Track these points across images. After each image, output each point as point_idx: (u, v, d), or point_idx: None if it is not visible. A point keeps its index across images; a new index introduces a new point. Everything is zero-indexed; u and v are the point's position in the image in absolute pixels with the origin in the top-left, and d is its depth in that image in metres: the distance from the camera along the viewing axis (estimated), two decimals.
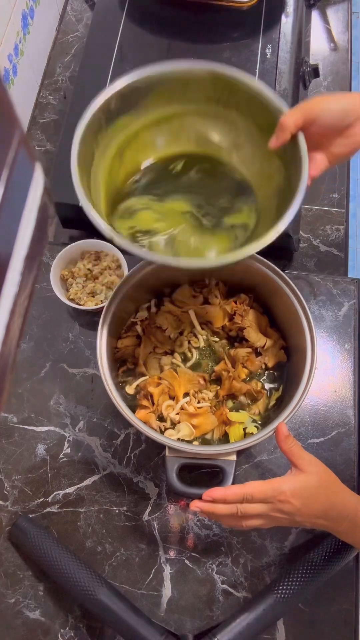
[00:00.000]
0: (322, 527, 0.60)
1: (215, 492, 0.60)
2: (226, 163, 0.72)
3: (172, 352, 0.78)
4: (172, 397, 0.75)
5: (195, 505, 0.61)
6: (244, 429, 0.73)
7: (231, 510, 0.59)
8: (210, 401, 0.75)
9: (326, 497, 0.60)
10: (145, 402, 0.73)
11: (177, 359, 0.77)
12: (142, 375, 0.76)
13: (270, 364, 0.77)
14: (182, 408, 0.73)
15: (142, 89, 0.66)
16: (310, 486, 0.59)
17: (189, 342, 0.79)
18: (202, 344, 0.79)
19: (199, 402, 0.74)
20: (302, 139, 0.62)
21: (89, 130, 0.63)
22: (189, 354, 0.78)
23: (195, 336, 0.79)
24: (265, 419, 0.74)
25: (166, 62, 0.66)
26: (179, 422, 0.73)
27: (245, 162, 0.71)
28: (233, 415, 0.73)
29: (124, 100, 0.66)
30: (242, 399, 0.75)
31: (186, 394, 0.74)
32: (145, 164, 0.72)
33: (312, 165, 0.63)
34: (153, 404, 0.74)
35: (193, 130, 0.72)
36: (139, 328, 0.78)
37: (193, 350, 0.78)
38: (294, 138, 0.62)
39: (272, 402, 0.75)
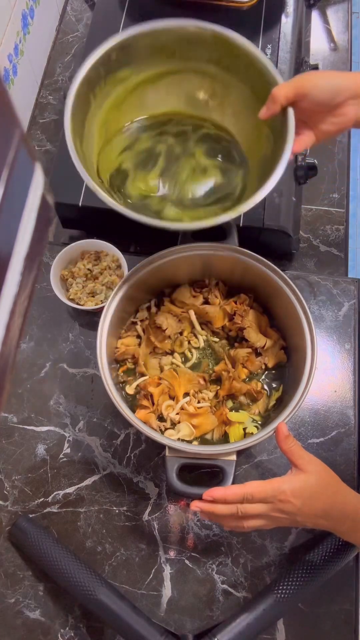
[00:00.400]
0: (324, 527, 0.60)
1: (216, 491, 0.60)
2: (219, 126, 0.74)
3: (172, 352, 0.78)
4: (172, 397, 0.75)
5: (196, 505, 0.61)
6: (244, 429, 0.73)
7: (231, 510, 0.59)
8: (210, 401, 0.75)
9: (327, 497, 0.59)
10: (145, 402, 0.73)
11: (177, 359, 0.77)
12: (142, 375, 0.76)
13: (270, 364, 0.77)
14: (182, 408, 0.73)
15: (145, 42, 0.68)
16: (311, 486, 0.59)
17: (189, 342, 0.79)
18: (202, 344, 0.79)
19: (199, 402, 0.74)
20: (291, 113, 0.63)
21: (86, 80, 0.65)
22: (189, 354, 0.78)
23: (195, 336, 0.79)
24: (265, 419, 0.74)
25: (172, 19, 0.68)
26: (179, 422, 0.73)
27: (238, 127, 0.73)
28: (233, 415, 0.73)
29: (125, 52, 0.68)
30: (242, 399, 0.75)
31: (186, 394, 0.74)
32: (140, 119, 0.74)
33: (297, 140, 0.64)
34: (153, 404, 0.74)
35: (190, 89, 0.73)
36: (139, 328, 0.78)
37: (193, 350, 0.78)
38: (284, 111, 0.63)
39: (272, 402, 0.75)
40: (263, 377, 0.77)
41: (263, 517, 0.59)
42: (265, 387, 0.76)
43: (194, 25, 0.68)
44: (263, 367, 0.77)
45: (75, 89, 0.64)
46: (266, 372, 0.78)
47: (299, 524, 0.60)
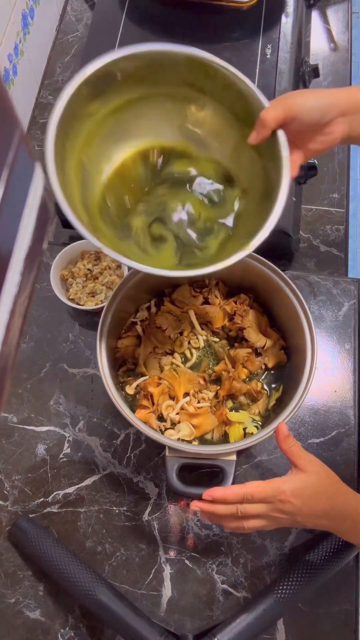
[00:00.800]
0: (324, 527, 0.60)
1: (215, 491, 0.60)
2: (195, 155, 0.70)
3: (172, 352, 0.78)
4: (172, 397, 0.75)
5: (196, 504, 0.61)
6: (244, 429, 0.73)
7: (231, 510, 0.59)
8: (210, 401, 0.75)
9: (327, 497, 0.59)
10: (145, 402, 0.73)
11: (177, 359, 0.77)
12: (142, 375, 0.76)
13: (270, 364, 0.77)
14: (182, 408, 0.73)
15: (113, 72, 0.64)
16: (311, 486, 0.59)
17: (189, 342, 0.79)
18: (202, 344, 0.79)
19: (199, 402, 0.74)
20: (282, 137, 0.62)
21: (61, 121, 0.61)
22: (189, 354, 0.78)
23: (196, 336, 0.79)
24: (265, 419, 0.74)
25: (141, 44, 0.64)
26: (179, 422, 0.73)
27: (221, 150, 0.70)
28: (233, 415, 0.73)
29: (93, 84, 0.63)
30: (242, 399, 0.75)
31: (186, 394, 0.74)
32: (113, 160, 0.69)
33: (291, 163, 0.63)
34: (153, 404, 0.74)
35: (163, 116, 0.69)
36: (139, 328, 0.78)
37: (193, 350, 0.78)
38: (273, 133, 0.62)
39: (272, 402, 0.75)
40: (263, 377, 0.77)
41: (263, 517, 0.59)
42: (265, 387, 0.76)
43: (164, 49, 0.64)
44: (263, 367, 0.77)
45: (54, 129, 0.61)
46: (266, 372, 0.78)
47: (299, 524, 0.60)
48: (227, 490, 0.60)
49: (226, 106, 0.66)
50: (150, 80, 0.66)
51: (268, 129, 0.61)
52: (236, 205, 0.69)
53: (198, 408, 0.73)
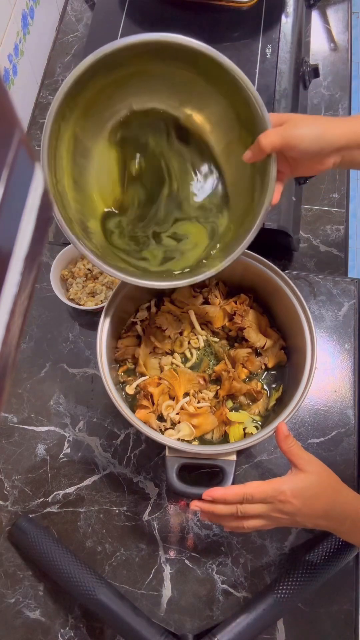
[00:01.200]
0: (324, 527, 0.60)
1: (215, 491, 0.60)
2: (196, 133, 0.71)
3: (172, 352, 0.78)
4: (172, 397, 0.75)
5: (195, 504, 0.61)
6: (244, 429, 0.73)
7: (231, 510, 0.59)
8: (210, 401, 0.75)
9: (327, 497, 0.59)
10: (145, 402, 0.73)
11: (177, 359, 0.77)
12: (142, 375, 0.76)
13: (270, 364, 0.77)
14: (182, 408, 0.73)
15: (122, 55, 0.64)
16: (311, 486, 0.59)
17: (189, 342, 0.79)
18: (202, 344, 0.79)
19: (199, 402, 0.74)
20: (273, 166, 0.63)
21: (61, 104, 0.62)
22: (188, 354, 0.78)
23: (196, 336, 0.79)
24: (265, 419, 0.74)
25: (155, 33, 0.63)
26: (179, 422, 0.73)
27: (215, 136, 0.71)
28: (233, 415, 0.73)
29: (101, 62, 0.63)
30: (242, 399, 0.75)
31: (186, 394, 0.74)
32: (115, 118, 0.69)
33: (275, 191, 0.65)
34: (153, 404, 0.74)
35: (169, 89, 0.69)
36: (139, 328, 0.78)
37: (193, 350, 0.78)
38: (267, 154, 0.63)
39: (272, 402, 0.75)
40: (263, 377, 0.77)
41: (263, 517, 0.59)
42: (265, 387, 0.76)
43: (180, 42, 0.63)
44: (263, 367, 0.77)
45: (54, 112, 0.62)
46: (266, 372, 0.78)
47: (299, 524, 0.60)
48: (227, 491, 0.60)
49: (230, 103, 0.67)
50: (162, 58, 0.66)
51: (264, 153, 0.62)
52: (221, 222, 0.71)
53: (198, 408, 0.73)
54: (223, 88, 0.66)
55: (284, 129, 0.61)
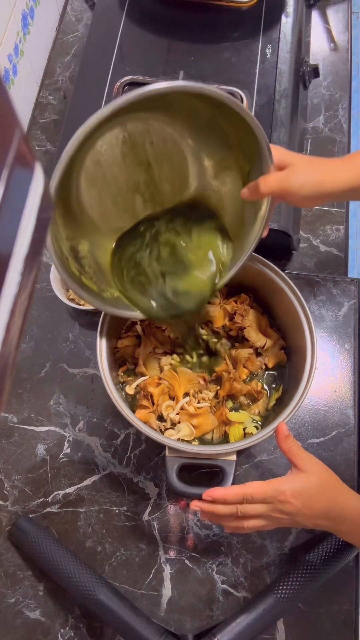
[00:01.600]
0: (324, 527, 0.60)
1: (215, 491, 0.60)
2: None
3: (171, 352, 0.78)
4: (172, 397, 0.75)
5: (196, 504, 0.61)
6: (244, 429, 0.73)
7: (231, 510, 0.59)
8: (211, 401, 0.75)
9: (327, 497, 0.59)
10: (145, 402, 0.73)
11: (177, 359, 0.77)
12: (142, 375, 0.76)
13: (270, 364, 0.77)
14: (182, 408, 0.73)
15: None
16: (311, 486, 0.59)
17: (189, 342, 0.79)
18: (202, 344, 0.79)
19: (199, 402, 0.74)
20: (266, 207, 0.64)
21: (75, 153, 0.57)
22: (189, 354, 0.78)
23: (196, 337, 0.79)
24: (265, 419, 0.74)
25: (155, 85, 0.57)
26: (179, 422, 0.73)
27: (209, 152, 0.68)
28: (233, 415, 0.73)
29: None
30: (242, 399, 0.75)
31: (186, 394, 0.74)
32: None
33: (265, 226, 0.67)
34: (153, 404, 0.74)
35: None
36: (139, 328, 0.78)
37: (193, 350, 0.78)
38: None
39: (272, 402, 0.75)
40: (263, 377, 0.77)
41: (263, 517, 0.59)
42: (265, 387, 0.76)
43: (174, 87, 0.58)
44: (263, 367, 0.77)
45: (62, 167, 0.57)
46: (266, 372, 0.78)
47: (299, 524, 0.60)
48: (227, 491, 0.60)
49: (231, 127, 0.63)
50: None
51: (260, 196, 0.62)
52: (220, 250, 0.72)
53: (198, 408, 0.73)
54: (225, 115, 0.61)
55: (285, 177, 0.62)
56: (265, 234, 0.67)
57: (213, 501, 0.60)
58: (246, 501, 0.59)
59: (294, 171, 0.62)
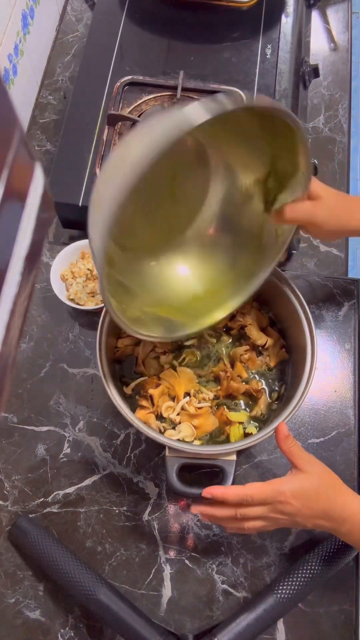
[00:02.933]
0: (324, 528, 0.60)
1: (215, 489, 0.60)
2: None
3: (171, 352, 0.78)
4: (172, 397, 0.75)
5: (196, 509, 0.61)
6: (244, 429, 0.73)
7: (230, 513, 0.59)
8: (211, 402, 0.75)
9: (327, 498, 0.59)
10: (144, 403, 0.73)
11: (177, 359, 0.77)
12: (141, 374, 0.76)
13: (272, 364, 0.77)
14: (182, 408, 0.73)
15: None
16: (311, 486, 0.59)
17: (190, 341, 0.79)
18: (202, 343, 0.79)
19: (199, 402, 0.74)
20: (290, 234, 0.65)
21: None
22: (189, 354, 0.78)
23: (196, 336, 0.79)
24: (265, 419, 0.74)
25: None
26: (179, 423, 0.73)
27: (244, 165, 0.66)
28: (233, 415, 0.73)
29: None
30: (242, 398, 0.75)
31: (186, 394, 0.74)
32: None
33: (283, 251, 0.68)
34: (153, 404, 0.74)
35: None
36: None
37: (194, 349, 0.78)
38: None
39: (273, 402, 0.75)
40: (264, 376, 0.77)
41: (263, 518, 0.59)
42: (265, 386, 0.76)
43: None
44: (265, 367, 0.77)
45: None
46: (267, 371, 0.78)
47: (299, 524, 0.60)
48: (226, 490, 0.60)
49: (276, 147, 0.60)
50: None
51: (284, 222, 0.63)
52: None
53: (198, 408, 0.73)
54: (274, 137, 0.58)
55: (312, 209, 0.62)
56: (283, 259, 0.67)
57: (212, 499, 0.60)
58: (246, 502, 0.59)
59: (321, 205, 0.62)
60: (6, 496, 0.76)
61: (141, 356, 0.76)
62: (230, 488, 0.60)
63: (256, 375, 0.77)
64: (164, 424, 0.73)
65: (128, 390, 0.75)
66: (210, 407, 0.74)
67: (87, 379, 0.82)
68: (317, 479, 0.60)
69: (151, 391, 0.73)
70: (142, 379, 0.75)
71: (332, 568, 0.68)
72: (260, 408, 0.74)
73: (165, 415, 0.73)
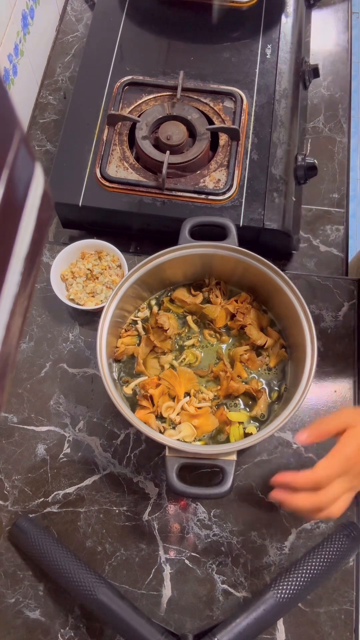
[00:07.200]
0: None
1: (285, 476, 0.58)
2: None
3: (172, 351, 0.78)
4: (172, 397, 0.75)
5: (277, 493, 0.59)
6: (244, 429, 0.73)
7: (314, 503, 0.57)
8: (211, 402, 0.75)
9: None
10: (144, 403, 0.73)
11: (177, 358, 0.77)
12: (142, 374, 0.76)
13: (272, 364, 0.77)
14: (182, 408, 0.73)
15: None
16: None
17: (190, 340, 0.79)
18: (202, 343, 0.79)
19: (199, 402, 0.74)
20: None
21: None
22: (189, 353, 0.78)
23: (198, 337, 0.79)
24: (265, 419, 0.74)
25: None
26: (179, 423, 0.73)
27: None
28: (232, 415, 0.73)
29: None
30: (242, 398, 0.75)
31: (187, 394, 0.74)
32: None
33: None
34: (153, 405, 0.74)
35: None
36: (139, 327, 0.78)
37: (194, 349, 0.78)
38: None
39: (273, 402, 0.75)
40: (264, 376, 0.77)
41: (347, 491, 0.57)
42: (265, 386, 0.76)
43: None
44: (265, 366, 0.77)
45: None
46: (268, 371, 0.78)
47: None
48: (296, 477, 0.57)
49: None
50: None
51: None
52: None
53: (198, 408, 0.73)
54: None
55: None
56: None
57: (285, 485, 0.58)
58: (321, 485, 0.56)
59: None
60: (6, 496, 0.76)
61: (141, 356, 0.76)
62: (299, 475, 0.57)
63: (256, 375, 0.77)
64: (164, 424, 0.73)
65: (128, 390, 0.75)
66: (210, 407, 0.74)
67: (87, 379, 0.82)
68: None
69: (151, 391, 0.73)
70: (142, 379, 0.75)
71: (332, 568, 0.68)
72: (260, 408, 0.74)
73: (165, 415, 0.73)
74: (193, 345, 0.78)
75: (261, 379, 0.77)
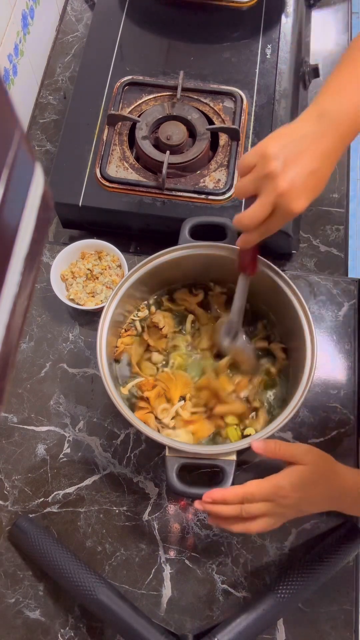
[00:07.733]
0: (328, 509, 0.63)
1: (215, 493, 0.60)
2: None
3: (166, 350, 0.78)
4: (168, 399, 0.74)
5: (199, 504, 0.61)
6: (242, 430, 0.73)
7: (235, 511, 0.59)
8: (205, 407, 0.74)
9: (325, 481, 0.61)
10: (142, 404, 0.73)
11: (166, 363, 0.77)
12: (137, 375, 0.76)
13: (274, 370, 0.76)
14: (176, 413, 0.73)
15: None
16: (310, 475, 0.60)
17: (188, 339, 0.78)
18: (202, 343, 0.79)
19: (193, 406, 0.74)
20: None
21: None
22: (176, 357, 0.78)
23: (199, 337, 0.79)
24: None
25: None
26: (173, 428, 0.73)
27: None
28: (228, 419, 0.73)
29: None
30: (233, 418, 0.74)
31: (182, 398, 0.74)
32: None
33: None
34: (150, 406, 0.74)
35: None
36: (137, 326, 0.78)
37: (192, 349, 0.78)
38: None
39: (271, 406, 0.75)
40: (263, 376, 0.77)
41: (268, 515, 0.60)
42: (266, 403, 0.75)
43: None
44: (260, 380, 0.76)
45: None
46: (266, 377, 0.77)
47: (304, 512, 0.61)
48: (226, 492, 0.60)
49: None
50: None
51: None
52: None
53: (192, 414, 0.73)
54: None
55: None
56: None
57: (213, 502, 0.60)
58: (247, 500, 0.59)
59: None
60: (6, 496, 0.76)
61: (134, 357, 0.76)
62: (229, 489, 0.60)
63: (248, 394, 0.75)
64: (161, 425, 0.73)
65: (125, 390, 0.75)
66: (205, 412, 0.74)
67: (87, 379, 0.82)
68: (314, 467, 0.61)
69: (147, 393, 0.73)
70: (139, 379, 0.75)
71: (332, 568, 0.68)
72: (261, 422, 0.73)
73: (160, 417, 0.73)
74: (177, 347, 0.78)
75: (257, 396, 0.75)
